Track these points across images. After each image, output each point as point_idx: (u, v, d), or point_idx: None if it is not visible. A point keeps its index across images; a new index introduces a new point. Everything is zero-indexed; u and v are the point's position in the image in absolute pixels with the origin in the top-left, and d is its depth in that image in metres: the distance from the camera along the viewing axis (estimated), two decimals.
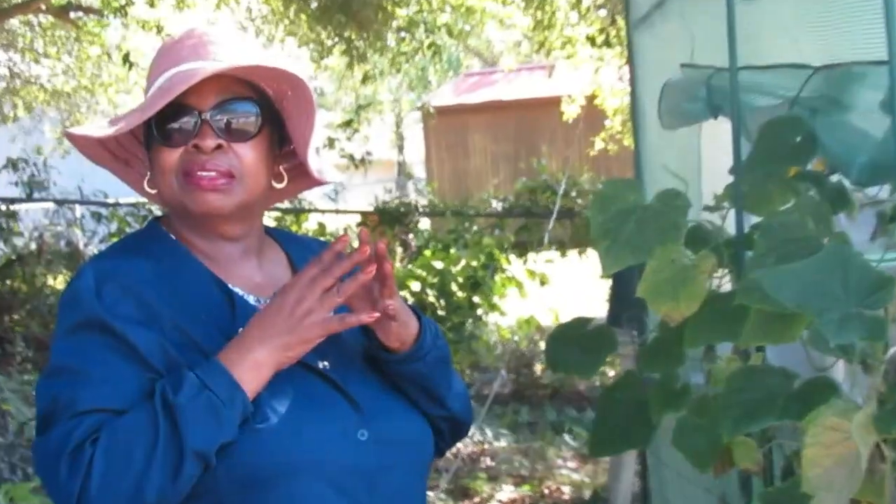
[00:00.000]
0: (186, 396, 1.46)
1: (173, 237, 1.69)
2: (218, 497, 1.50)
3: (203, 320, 1.59)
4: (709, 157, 2.72)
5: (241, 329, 1.57)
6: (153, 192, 1.68)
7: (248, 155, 1.63)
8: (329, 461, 1.55)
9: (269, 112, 1.67)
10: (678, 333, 1.84)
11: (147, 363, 1.51)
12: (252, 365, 1.51)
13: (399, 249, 8.81)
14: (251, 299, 1.67)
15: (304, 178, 1.77)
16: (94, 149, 1.68)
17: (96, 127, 1.65)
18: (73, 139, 1.65)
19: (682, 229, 1.86)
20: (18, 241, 9.14)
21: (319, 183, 1.77)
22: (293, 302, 1.54)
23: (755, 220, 1.97)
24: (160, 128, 1.61)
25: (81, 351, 1.52)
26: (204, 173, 1.60)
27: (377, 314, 1.58)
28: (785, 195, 1.90)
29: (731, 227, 2.02)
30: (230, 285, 1.66)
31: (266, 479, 1.50)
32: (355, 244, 1.58)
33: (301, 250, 1.80)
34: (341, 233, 9.37)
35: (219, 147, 1.60)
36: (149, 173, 1.68)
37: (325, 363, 1.64)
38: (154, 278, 1.60)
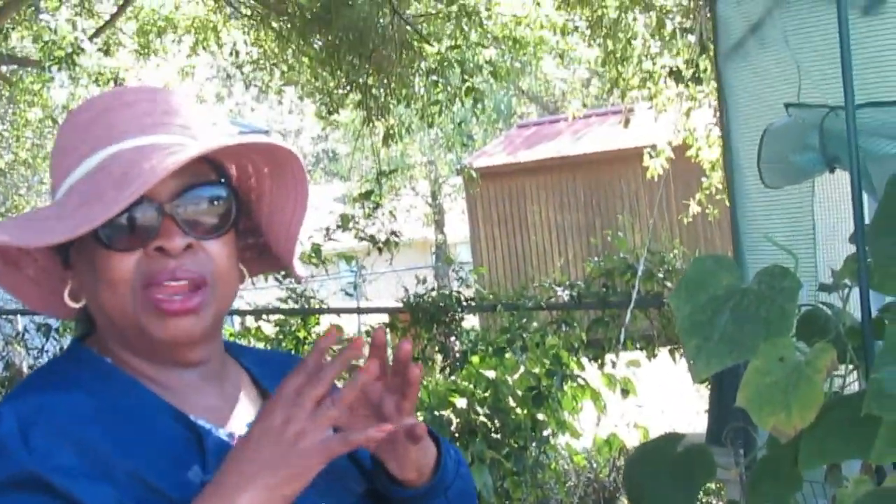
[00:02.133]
0: None
1: (109, 360, 1.68)
2: None
3: (166, 465, 1.57)
4: (826, 222, 2.73)
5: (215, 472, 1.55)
6: (77, 305, 1.67)
7: (220, 253, 1.64)
8: None
9: (235, 195, 1.69)
10: (792, 451, 1.85)
11: None
12: None
13: (439, 357, 8.79)
14: (222, 434, 1.66)
15: (256, 261, 1.80)
16: None
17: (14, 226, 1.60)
18: None
19: (790, 318, 1.87)
20: None
21: (280, 268, 1.79)
22: (280, 424, 1.50)
23: (887, 300, 1.98)
24: (103, 226, 1.56)
25: None
26: (174, 283, 1.59)
27: (388, 426, 1.53)
28: None
29: (855, 311, 2.03)
30: (192, 417, 1.65)
31: None
32: (365, 350, 1.58)
33: (263, 365, 1.82)
34: (365, 338, 9.36)
35: (188, 247, 1.61)
36: (70, 283, 1.67)
37: None
38: (95, 415, 1.57)
